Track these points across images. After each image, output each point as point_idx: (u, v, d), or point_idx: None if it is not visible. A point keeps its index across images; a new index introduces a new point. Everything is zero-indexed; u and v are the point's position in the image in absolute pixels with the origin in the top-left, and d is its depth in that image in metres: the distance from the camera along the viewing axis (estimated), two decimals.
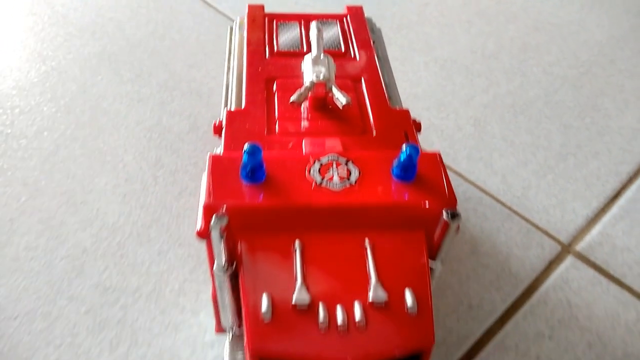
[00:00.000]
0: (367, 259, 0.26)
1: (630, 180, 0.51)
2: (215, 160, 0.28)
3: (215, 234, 0.24)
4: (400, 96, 0.38)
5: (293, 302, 0.24)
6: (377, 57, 0.38)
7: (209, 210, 0.26)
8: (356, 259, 0.26)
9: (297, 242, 0.26)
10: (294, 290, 0.25)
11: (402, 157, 0.27)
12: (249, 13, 0.41)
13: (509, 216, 0.47)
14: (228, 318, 0.30)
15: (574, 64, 0.65)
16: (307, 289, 0.25)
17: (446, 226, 0.26)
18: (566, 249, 0.45)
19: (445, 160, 0.52)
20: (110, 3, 0.70)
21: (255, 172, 0.27)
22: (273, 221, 0.27)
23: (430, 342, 0.24)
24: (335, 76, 0.34)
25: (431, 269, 0.28)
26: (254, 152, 0.26)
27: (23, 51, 0.61)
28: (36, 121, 0.53)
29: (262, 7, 0.42)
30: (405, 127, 0.32)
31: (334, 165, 0.28)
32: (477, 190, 0.49)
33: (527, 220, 0.47)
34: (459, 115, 0.57)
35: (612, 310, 0.41)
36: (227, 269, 0.26)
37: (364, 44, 0.39)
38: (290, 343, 0.24)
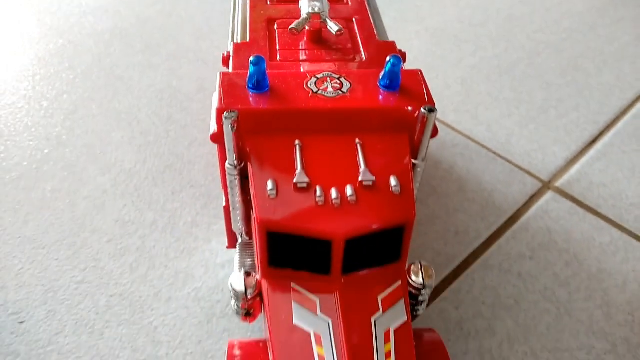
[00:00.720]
0: (358, 153, 0.30)
1: (607, 128, 0.55)
2: (225, 75, 0.32)
3: (227, 128, 0.28)
4: None
5: (294, 182, 0.28)
6: (368, 4, 0.42)
7: (221, 114, 0.30)
8: (348, 154, 0.30)
9: (297, 141, 0.30)
10: (295, 175, 0.29)
11: (387, 66, 0.31)
12: None
13: (494, 159, 0.51)
14: (238, 222, 0.34)
15: (556, 31, 0.69)
16: (306, 174, 0.29)
17: (424, 120, 0.30)
18: (546, 185, 0.49)
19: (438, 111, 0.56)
20: None
21: (259, 82, 0.31)
22: (276, 124, 0.31)
23: (411, 216, 0.28)
24: (330, 16, 0.38)
25: (415, 165, 0.32)
26: (258, 62, 0.30)
27: (40, 28, 0.66)
28: (56, 86, 0.57)
29: None
30: (392, 54, 0.36)
31: (328, 80, 0.32)
32: (464, 138, 0.53)
33: (510, 162, 0.51)
34: (448, 76, 0.61)
35: (588, 235, 0.45)
36: (237, 166, 0.30)
37: None
38: (292, 215, 0.28)
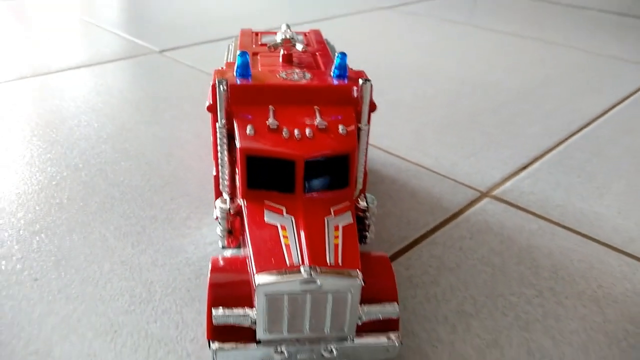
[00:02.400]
0: (316, 113, 0.40)
1: (536, 159, 0.66)
2: (217, 70, 0.43)
3: (219, 90, 0.39)
4: None
5: (267, 125, 0.38)
6: (330, 49, 0.56)
7: (214, 88, 0.41)
8: (309, 114, 0.41)
9: (270, 107, 0.41)
10: (268, 121, 0.39)
11: (337, 60, 0.43)
12: (241, 31, 0.60)
13: (441, 179, 0.61)
14: (225, 181, 0.43)
15: (495, 100, 0.84)
16: (277, 122, 0.39)
17: (362, 90, 0.41)
18: (484, 194, 0.59)
19: (390, 150, 0.67)
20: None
21: (244, 70, 0.42)
22: (255, 96, 0.41)
23: (353, 148, 0.38)
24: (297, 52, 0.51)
25: (360, 129, 0.42)
26: (243, 55, 0.42)
27: None
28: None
29: (250, 29, 0.61)
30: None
31: (295, 73, 0.44)
32: (415, 166, 0.64)
33: (454, 180, 0.61)
34: (404, 129, 0.73)
35: (519, 224, 0.54)
36: (224, 126, 0.40)
37: (319, 42, 0.57)
38: (265, 144, 0.37)
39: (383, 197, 0.57)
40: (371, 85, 0.41)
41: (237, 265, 0.37)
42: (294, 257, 0.33)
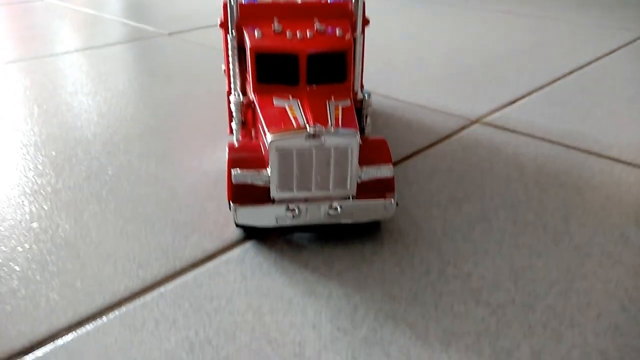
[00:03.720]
0: (315, 21, 0.46)
1: (528, 94, 0.71)
2: None
3: (230, 5, 0.44)
4: None
5: (273, 29, 0.44)
6: None
7: (225, 7, 0.46)
8: (309, 23, 0.46)
9: (275, 19, 0.46)
10: (274, 26, 0.44)
11: None
12: None
13: (433, 112, 0.66)
14: (237, 86, 0.48)
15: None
16: (282, 28, 0.44)
17: (355, 4, 0.46)
18: (474, 121, 0.64)
19: (388, 94, 0.72)
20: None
21: None
22: (262, 13, 0.47)
23: (350, 45, 0.43)
24: None
25: (355, 38, 0.47)
26: None
27: None
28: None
29: None
30: None
31: None
32: (411, 105, 0.69)
33: (447, 113, 0.66)
34: (395, 80, 0.79)
35: (505, 141, 0.59)
36: (235, 38, 0.46)
37: None
38: (271, 43, 0.43)
39: (379, 126, 0.62)
40: (364, 2, 0.47)
41: (251, 145, 0.42)
42: (300, 121, 0.38)
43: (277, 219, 0.39)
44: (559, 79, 0.79)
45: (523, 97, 0.72)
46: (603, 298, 0.36)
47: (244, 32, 0.45)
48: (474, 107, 0.68)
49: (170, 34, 1.08)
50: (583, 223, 0.44)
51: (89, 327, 0.34)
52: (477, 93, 0.73)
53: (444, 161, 0.54)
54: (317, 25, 0.45)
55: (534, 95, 0.72)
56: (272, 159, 0.37)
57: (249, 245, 0.41)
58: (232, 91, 0.48)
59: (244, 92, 0.48)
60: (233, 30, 0.46)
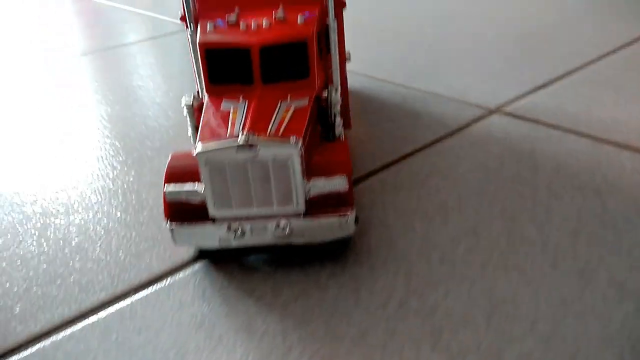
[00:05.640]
0: (279, 10, 0.40)
1: (562, 76, 0.62)
2: None
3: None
4: None
5: (226, 21, 0.39)
6: None
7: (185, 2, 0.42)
8: (270, 10, 0.41)
9: (236, 8, 0.41)
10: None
11: None
12: None
13: (448, 102, 0.59)
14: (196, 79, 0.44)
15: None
16: (237, 18, 0.39)
17: None
18: (493, 111, 0.56)
19: (404, 82, 0.65)
20: None
21: None
22: (222, 3, 0.42)
23: (309, 34, 0.37)
24: None
25: (330, 25, 0.41)
26: None
27: None
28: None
29: None
30: None
31: None
32: (424, 93, 0.62)
33: (463, 102, 0.58)
34: (417, 62, 0.71)
35: (525, 134, 0.50)
36: (193, 24, 0.41)
37: None
38: (222, 37, 0.38)
39: (384, 120, 0.56)
40: None
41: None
42: (236, 128, 0.33)
43: (219, 240, 0.34)
44: (606, 55, 0.68)
45: (558, 78, 0.62)
46: (596, 347, 0.28)
47: (199, 25, 0.41)
48: (495, 92, 0.60)
49: None
50: (595, 240, 0.36)
51: None
52: (503, 75, 0.64)
53: (445, 160, 0.47)
54: (278, 12, 0.39)
55: (574, 75, 0.62)
56: (203, 173, 0.32)
57: (198, 267, 0.37)
58: (197, 93, 0.44)
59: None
60: (192, 24, 0.42)
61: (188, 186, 0.34)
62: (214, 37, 0.38)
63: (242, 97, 0.37)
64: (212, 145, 0.32)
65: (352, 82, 0.68)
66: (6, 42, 1.04)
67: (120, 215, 0.44)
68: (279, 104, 0.36)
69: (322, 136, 0.40)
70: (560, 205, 0.39)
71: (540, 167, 0.45)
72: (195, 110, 0.39)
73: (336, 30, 0.42)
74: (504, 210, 0.40)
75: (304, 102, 0.36)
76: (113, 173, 0.51)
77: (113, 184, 0.49)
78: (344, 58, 0.48)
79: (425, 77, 0.66)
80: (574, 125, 0.51)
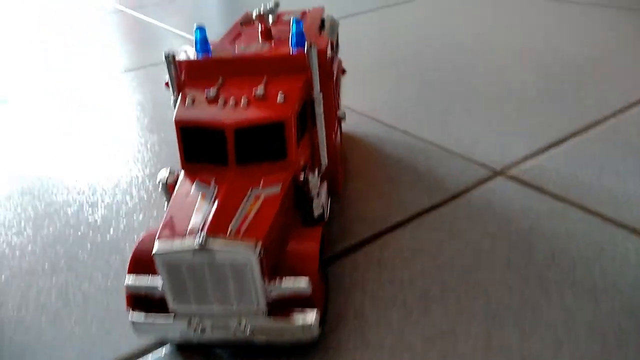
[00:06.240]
0: (262, 83, 0.39)
1: (579, 132, 0.58)
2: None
3: (167, 62, 0.39)
4: None
5: (205, 96, 0.38)
6: (322, 24, 0.53)
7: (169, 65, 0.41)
8: (255, 84, 0.39)
9: (220, 78, 0.40)
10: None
11: (292, 28, 0.41)
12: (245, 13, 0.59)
13: (452, 157, 0.56)
14: None
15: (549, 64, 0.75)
16: (218, 92, 0.38)
17: (308, 55, 0.38)
18: (498, 173, 0.53)
19: (409, 130, 0.63)
20: None
21: (203, 45, 0.42)
22: (207, 70, 0.41)
23: (287, 115, 0.36)
24: (284, 29, 0.50)
25: (315, 98, 0.40)
26: (201, 29, 0.42)
27: None
28: None
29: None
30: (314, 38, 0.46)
31: (255, 44, 0.43)
32: (429, 145, 0.59)
33: (467, 158, 0.56)
34: (431, 101, 0.68)
35: (527, 206, 0.47)
36: (174, 92, 0.40)
37: (314, 19, 0.54)
38: (198, 115, 0.37)
39: (382, 178, 0.54)
40: (331, 47, 0.39)
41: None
42: (197, 224, 0.32)
43: (180, 334, 0.33)
44: (632, 105, 0.63)
45: (575, 134, 0.58)
46: None
47: (182, 92, 0.40)
48: (504, 148, 0.57)
49: None
50: (579, 355, 0.33)
51: None
52: (516, 126, 0.61)
53: (437, 235, 0.45)
54: (258, 89, 0.38)
55: (592, 131, 0.59)
56: (161, 272, 0.31)
57: (165, 352, 0.36)
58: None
59: None
60: (174, 92, 0.41)
61: (148, 280, 0.33)
62: (190, 115, 0.37)
63: (214, 181, 0.36)
64: (169, 246, 0.31)
65: (359, 124, 0.66)
66: (51, 56, 1.06)
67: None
68: (249, 192, 0.34)
69: (301, 218, 0.39)
70: (549, 306, 0.37)
71: (535, 252, 0.42)
72: (170, 188, 0.38)
73: (322, 103, 0.41)
74: (487, 306, 0.37)
75: (276, 189, 0.35)
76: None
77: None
78: (332, 124, 0.46)
79: (435, 126, 0.63)
80: (580, 197, 0.48)
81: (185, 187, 0.36)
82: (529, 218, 0.46)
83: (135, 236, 0.48)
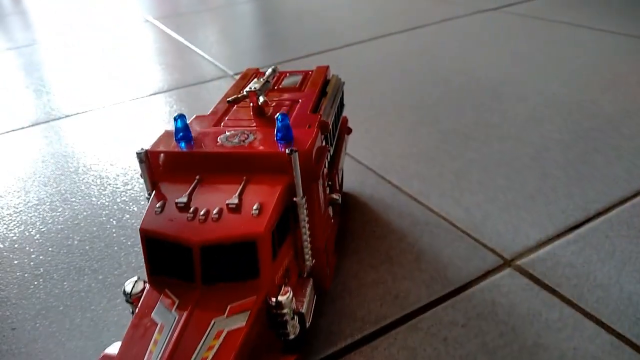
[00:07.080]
0: (240, 186, 0.36)
1: (597, 215, 0.53)
2: (166, 132, 0.41)
3: (138, 161, 0.37)
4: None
5: (175, 202, 0.35)
6: (325, 93, 0.50)
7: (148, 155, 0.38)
8: (232, 186, 0.36)
9: (197, 176, 0.37)
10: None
11: (277, 122, 0.38)
12: (245, 71, 0.56)
13: (460, 237, 0.52)
14: None
15: (574, 130, 0.69)
16: (190, 198, 0.35)
17: (290, 161, 0.35)
18: (507, 262, 0.48)
19: (417, 195, 0.58)
20: None
21: (183, 133, 0.39)
22: (184, 164, 0.38)
23: (260, 233, 0.33)
24: (281, 98, 0.47)
25: (297, 203, 0.36)
26: (181, 117, 0.39)
27: None
28: None
29: (256, 69, 0.57)
30: (311, 122, 0.42)
31: (239, 135, 0.40)
32: (438, 218, 0.55)
33: (476, 240, 0.51)
34: (444, 166, 0.64)
35: (534, 310, 0.43)
36: (150, 190, 0.38)
37: (314, 84, 0.51)
38: (164, 226, 0.34)
39: (381, 256, 0.50)
40: (319, 144, 0.36)
41: None
42: None
43: None
44: None
45: (599, 214, 0.53)
46: None
47: (153, 194, 0.37)
48: (517, 230, 0.52)
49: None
50: None
51: None
52: (533, 200, 0.56)
53: (431, 343, 0.41)
54: (232, 197, 0.35)
55: (618, 209, 0.53)
56: None
57: None
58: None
59: None
60: (149, 190, 0.38)
61: None
62: (157, 225, 0.34)
63: (177, 306, 0.33)
64: None
65: (365, 183, 0.62)
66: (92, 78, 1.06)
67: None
68: (211, 324, 0.31)
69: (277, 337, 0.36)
70: None
71: None
72: (134, 301, 0.36)
73: (305, 207, 0.37)
74: None
75: (242, 321, 0.32)
76: None
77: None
78: (320, 224, 0.42)
79: (444, 194, 0.58)
80: (597, 305, 0.43)
81: (146, 308, 0.33)
82: (535, 327, 0.41)
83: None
